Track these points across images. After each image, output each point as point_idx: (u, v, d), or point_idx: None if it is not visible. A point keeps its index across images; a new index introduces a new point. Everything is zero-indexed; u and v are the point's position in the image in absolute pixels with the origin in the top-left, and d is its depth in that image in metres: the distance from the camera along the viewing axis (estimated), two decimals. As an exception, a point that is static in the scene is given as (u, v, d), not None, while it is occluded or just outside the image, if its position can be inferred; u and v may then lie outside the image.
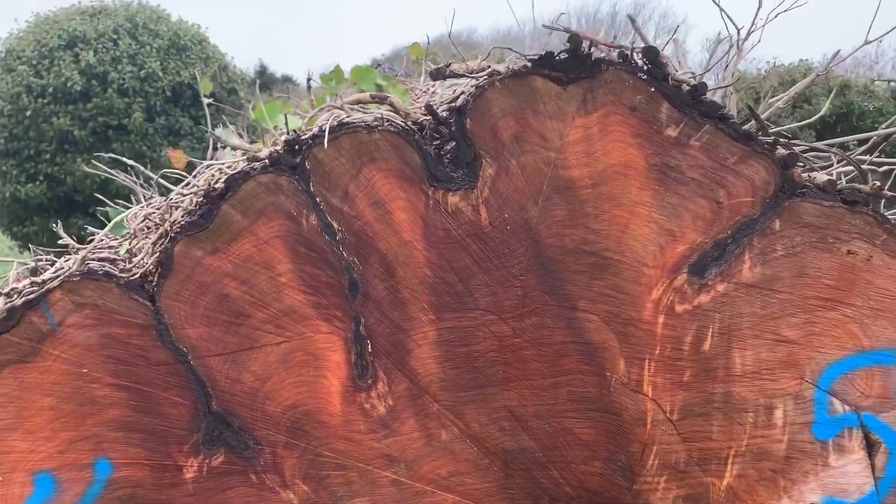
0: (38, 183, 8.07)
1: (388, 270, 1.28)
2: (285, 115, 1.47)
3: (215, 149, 2.07)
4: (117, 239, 1.51)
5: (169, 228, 1.26)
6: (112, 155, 2.01)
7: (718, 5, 1.83)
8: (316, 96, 2.00)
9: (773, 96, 2.26)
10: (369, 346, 1.30)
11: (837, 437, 1.35)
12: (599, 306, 1.31)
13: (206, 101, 2.16)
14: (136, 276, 1.25)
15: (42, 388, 1.25)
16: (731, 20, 1.85)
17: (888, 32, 2.13)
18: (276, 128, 1.59)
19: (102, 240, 1.48)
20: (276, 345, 1.28)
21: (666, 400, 1.33)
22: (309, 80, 1.88)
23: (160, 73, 7.96)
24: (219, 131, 1.76)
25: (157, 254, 1.25)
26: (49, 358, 1.25)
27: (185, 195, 1.36)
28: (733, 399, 1.33)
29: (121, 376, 1.26)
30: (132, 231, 1.44)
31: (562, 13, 1.68)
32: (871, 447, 1.35)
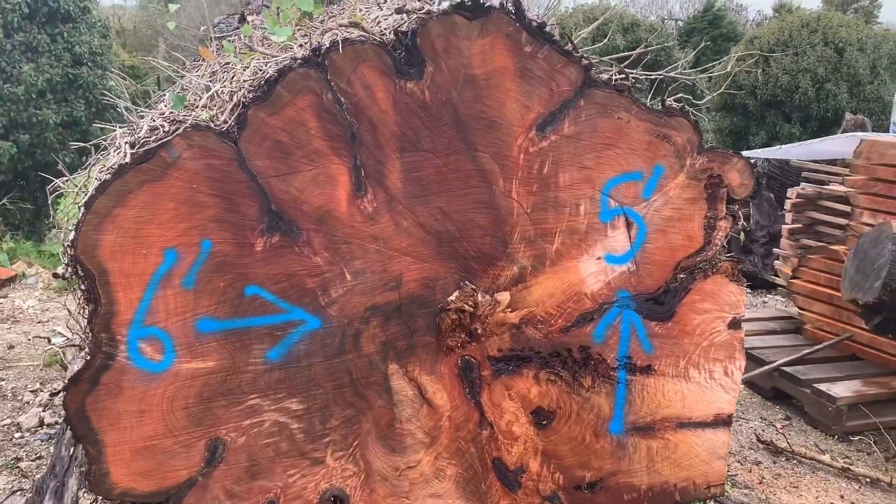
0: None
1: (373, 127, 2.11)
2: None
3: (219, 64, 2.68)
4: (175, 111, 2.19)
5: (242, 100, 2.00)
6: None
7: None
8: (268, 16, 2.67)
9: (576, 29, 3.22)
10: (362, 172, 2.13)
11: (611, 221, 2.38)
12: (490, 149, 2.22)
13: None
14: (224, 129, 1.99)
15: (167, 196, 1.97)
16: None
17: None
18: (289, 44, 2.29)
19: (171, 112, 2.16)
20: (309, 171, 2.08)
21: (523, 201, 2.29)
22: (278, 8, 2.58)
23: (15, -11, 7.69)
24: (229, 45, 2.44)
25: (237, 115, 1.99)
26: (172, 178, 1.96)
27: (245, 80, 2.08)
28: (559, 200, 2.32)
29: (216, 189, 2.01)
30: (203, 104, 2.13)
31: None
32: (629, 226, 2.40)
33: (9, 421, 3.90)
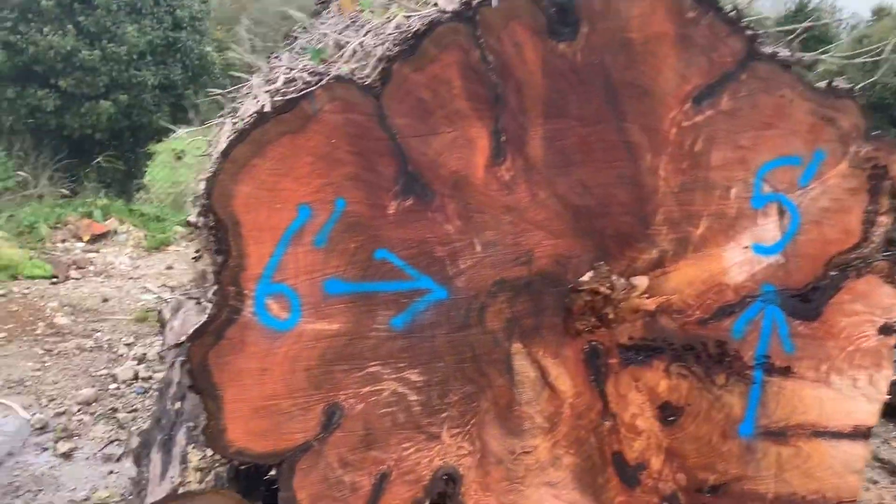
0: (-4, 51, 7.92)
1: (518, 89, 2.00)
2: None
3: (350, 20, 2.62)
4: (312, 64, 2.13)
5: (387, 54, 1.92)
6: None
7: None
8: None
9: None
10: (503, 137, 2.02)
11: (764, 207, 2.21)
12: (640, 120, 2.08)
13: None
14: (366, 83, 1.92)
15: (305, 150, 1.91)
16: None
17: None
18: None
19: (306, 64, 2.10)
20: (448, 133, 1.99)
21: (671, 179, 2.14)
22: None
23: (124, -51, 7.91)
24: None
25: (380, 70, 1.91)
26: (311, 131, 1.90)
27: (390, 34, 2.01)
28: (709, 181, 2.16)
29: (355, 146, 1.94)
30: (347, 58, 2.07)
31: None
32: (782, 214, 2.23)
33: (105, 372, 3.99)
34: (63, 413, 3.41)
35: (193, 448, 2.28)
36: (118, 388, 3.72)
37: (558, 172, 2.07)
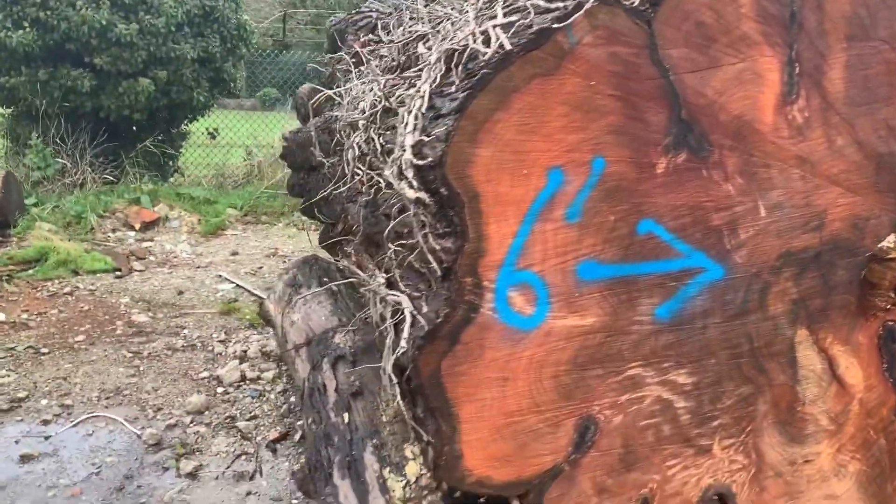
0: (26, 30, 7.44)
1: (819, 5, 1.59)
2: None
3: None
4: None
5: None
6: None
7: None
8: None
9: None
10: (797, 69, 1.62)
11: None
12: (962, 38, 1.68)
13: None
14: (635, 3, 1.52)
15: (558, 97, 1.52)
16: None
17: None
18: None
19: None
20: (732, 65, 1.59)
21: None
22: None
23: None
24: None
25: (651, -14, 1.51)
26: (566, 72, 1.51)
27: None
28: None
29: (618, 88, 1.55)
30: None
31: None
32: None
33: (206, 374, 3.67)
34: (175, 425, 3.10)
35: (390, 472, 1.94)
36: (227, 393, 3.41)
37: (860, 111, 1.67)
